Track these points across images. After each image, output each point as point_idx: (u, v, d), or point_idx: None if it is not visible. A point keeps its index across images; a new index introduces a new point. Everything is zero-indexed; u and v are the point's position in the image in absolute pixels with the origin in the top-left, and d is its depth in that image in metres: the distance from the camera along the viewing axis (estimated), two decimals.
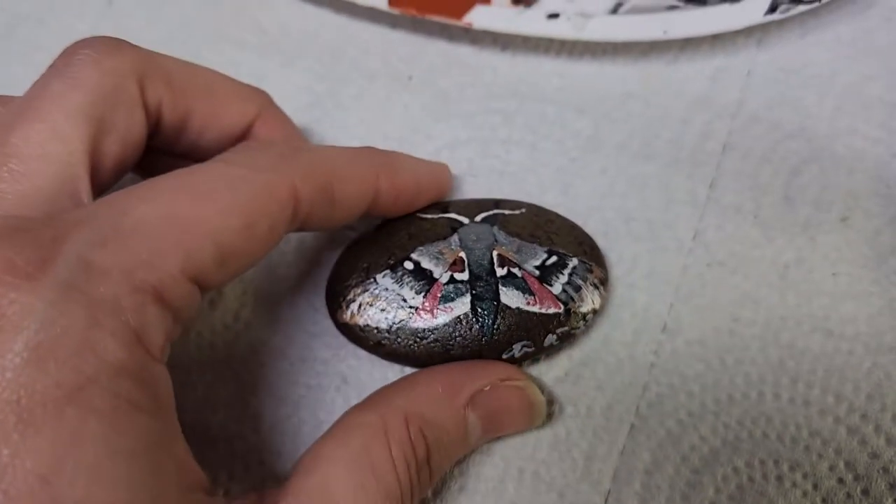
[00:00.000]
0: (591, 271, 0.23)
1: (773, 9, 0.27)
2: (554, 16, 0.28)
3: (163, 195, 0.17)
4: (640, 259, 0.26)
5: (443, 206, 0.25)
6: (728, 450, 0.23)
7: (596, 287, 0.23)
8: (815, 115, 0.28)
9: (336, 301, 0.23)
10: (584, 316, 0.23)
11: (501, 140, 0.28)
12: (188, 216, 0.17)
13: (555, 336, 0.22)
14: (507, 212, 0.24)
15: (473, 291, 0.22)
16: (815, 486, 0.22)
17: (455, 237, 0.23)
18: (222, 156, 0.20)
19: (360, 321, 0.22)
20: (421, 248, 0.23)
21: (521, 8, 0.29)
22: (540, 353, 0.23)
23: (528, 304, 0.22)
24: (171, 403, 0.17)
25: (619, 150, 0.28)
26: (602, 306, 0.23)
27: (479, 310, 0.22)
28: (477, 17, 0.28)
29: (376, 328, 0.22)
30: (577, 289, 0.23)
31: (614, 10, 0.28)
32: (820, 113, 0.28)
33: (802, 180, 0.27)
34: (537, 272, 0.23)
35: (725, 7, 0.28)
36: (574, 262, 0.23)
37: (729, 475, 0.23)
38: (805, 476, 0.23)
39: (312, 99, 0.30)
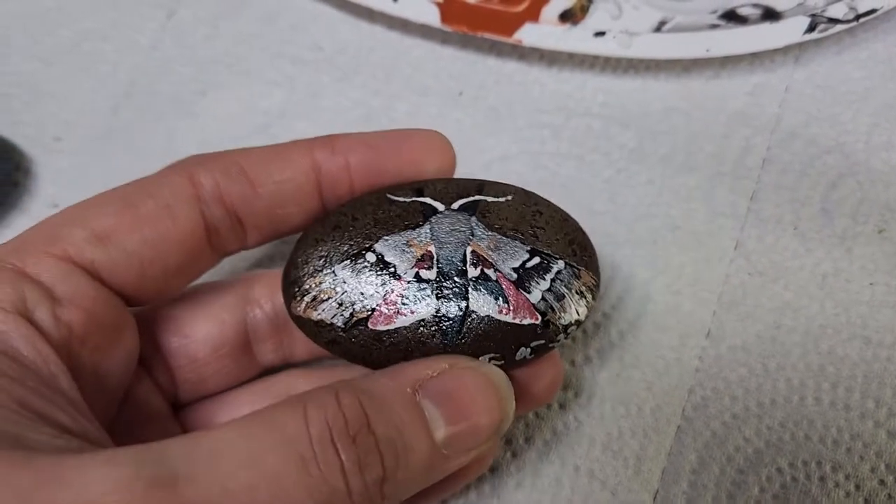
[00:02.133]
0: (577, 277, 0.20)
1: (811, 28, 0.29)
2: (600, 34, 0.29)
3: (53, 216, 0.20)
4: (685, 267, 0.27)
5: (418, 187, 0.21)
6: (772, 451, 0.24)
7: (582, 296, 0.20)
8: (851, 130, 0.29)
9: (291, 290, 0.21)
10: (566, 328, 0.20)
11: (550, 153, 0.29)
12: (65, 214, 0.19)
13: (529, 350, 0.20)
14: (489, 199, 0.21)
15: (439, 294, 0.20)
16: (858, 487, 0.24)
17: (426, 227, 0.21)
18: None
19: (314, 315, 0.20)
20: (387, 237, 0.20)
21: (568, 26, 0.30)
22: (511, 366, 0.20)
23: (501, 312, 0.20)
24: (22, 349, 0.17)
25: (663, 162, 0.29)
26: (588, 316, 0.21)
27: (445, 315, 0.20)
28: (526, 35, 0.30)
29: (331, 325, 0.20)
30: (560, 297, 0.20)
31: (658, 29, 0.30)
32: (856, 128, 0.29)
33: (840, 193, 0.28)
34: (515, 275, 0.20)
35: (766, 26, 0.29)
36: (559, 265, 0.20)
37: (773, 475, 0.24)
38: (847, 477, 0.24)
39: (366, 112, 0.31)
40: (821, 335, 0.26)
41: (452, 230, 0.20)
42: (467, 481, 0.23)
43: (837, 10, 0.29)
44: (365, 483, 0.16)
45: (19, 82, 0.33)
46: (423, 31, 0.32)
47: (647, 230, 0.28)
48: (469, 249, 0.20)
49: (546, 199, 0.22)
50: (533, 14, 0.30)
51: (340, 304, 0.20)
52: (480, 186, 0.21)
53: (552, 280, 0.20)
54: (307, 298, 0.20)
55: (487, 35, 0.30)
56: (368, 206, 0.21)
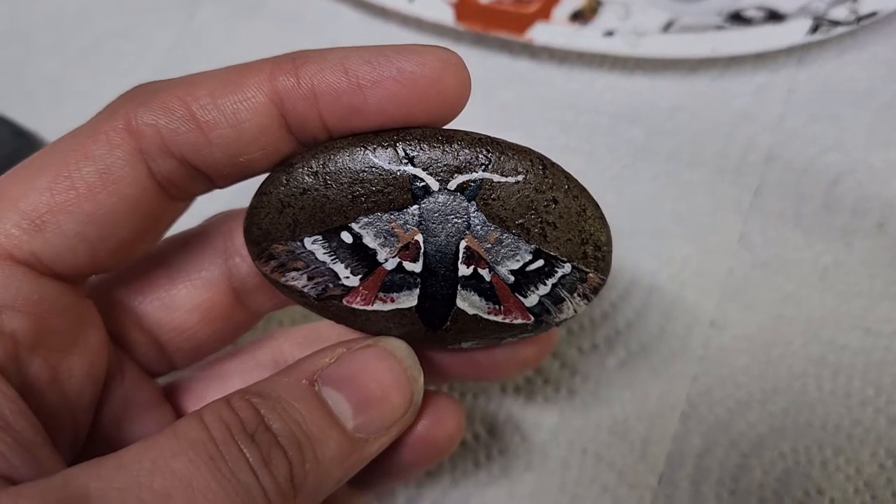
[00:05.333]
0: (583, 280, 0.18)
1: (814, 29, 0.30)
2: (609, 34, 0.30)
3: None
4: (690, 259, 0.28)
5: (408, 151, 0.17)
6: (774, 436, 0.25)
7: (584, 297, 0.18)
8: (852, 129, 0.30)
9: (256, 247, 0.18)
10: (557, 324, 0.19)
11: (560, 148, 0.30)
12: None
13: (514, 338, 0.19)
14: (496, 178, 0.17)
15: (423, 289, 0.18)
16: (858, 471, 0.24)
17: (415, 211, 0.17)
18: None
19: (282, 280, 0.18)
20: (367, 218, 0.17)
21: (578, 25, 0.31)
22: (493, 348, 0.20)
23: (490, 312, 0.18)
24: None
25: (669, 158, 0.30)
26: (582, 312, 0.19)
27: (428, 309, 0.18)
28: (538, 34, 0.31)
29: (301, 292, 0.18)
30: (559, 301, 0.18)
31: (665, 29, 0.31)
32: (857, 127, 0.30)
33: (840, 190, 0.29)
34: (512, 278, 0.18)
35: (769, 27, 0.30)
36: (565, 268, 0.18)
37: (776, 460, 0.25)
38: (848, 461, 0.24)
39: None
40: (822, 325, 0.27)
41: (445, 219, 0.17)
42: (423, 467, 0.21)
43: (839, 13, 0.30)
44: (275, 479, 0.15)
45: (45, 80, 0.34)
46: (437, 30, 0.33)
47: (653, 223, 0.29)
48: (463, 244, 0.18)
49: (565, 177, 0.18)
50: (544, 14, 0.31)
51: (311, 279, 0.18)
52: (488, 157, 0.17)
53: (554, 285, 0.18)
54: (273, 263, 0.18)
55: (500, 34, 0.31)
56: (345, 170, 0.17)
